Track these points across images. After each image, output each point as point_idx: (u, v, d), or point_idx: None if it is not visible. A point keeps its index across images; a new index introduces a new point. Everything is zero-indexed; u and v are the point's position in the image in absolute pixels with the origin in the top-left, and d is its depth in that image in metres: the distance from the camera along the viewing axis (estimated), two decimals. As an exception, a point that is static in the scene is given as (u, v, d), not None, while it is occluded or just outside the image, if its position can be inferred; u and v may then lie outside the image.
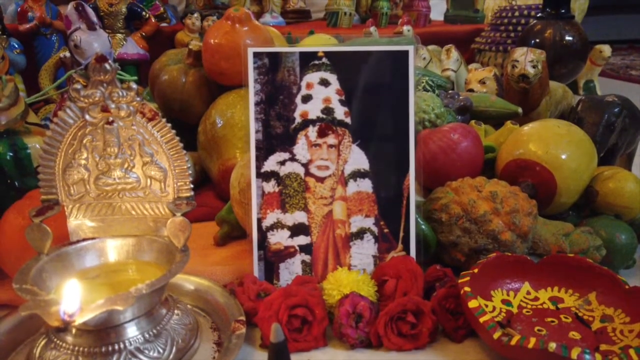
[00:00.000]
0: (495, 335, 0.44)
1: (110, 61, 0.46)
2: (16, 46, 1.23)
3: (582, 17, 1.92)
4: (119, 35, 1.36)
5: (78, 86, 0.47)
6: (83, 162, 0.49)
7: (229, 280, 0.59)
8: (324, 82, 0.57)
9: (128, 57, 1.35)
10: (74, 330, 0.44)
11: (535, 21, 1.26)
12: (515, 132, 0.68)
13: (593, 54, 1.80)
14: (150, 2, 1.41)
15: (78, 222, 0.51)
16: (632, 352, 0.41)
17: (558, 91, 0.93)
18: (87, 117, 0.48)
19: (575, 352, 0.40)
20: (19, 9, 1.32)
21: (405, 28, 1.33)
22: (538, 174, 0.62)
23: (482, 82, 0.98)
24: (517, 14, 1.44)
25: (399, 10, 1.74)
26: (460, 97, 0.82)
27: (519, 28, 1.41)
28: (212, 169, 0.82)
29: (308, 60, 0.57)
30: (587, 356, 0.40)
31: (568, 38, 1.20)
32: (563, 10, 1.23)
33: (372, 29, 1.36)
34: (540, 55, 0.85)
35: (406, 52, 0.56)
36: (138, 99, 0.48)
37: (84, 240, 0.50)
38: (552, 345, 0.41)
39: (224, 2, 1.77)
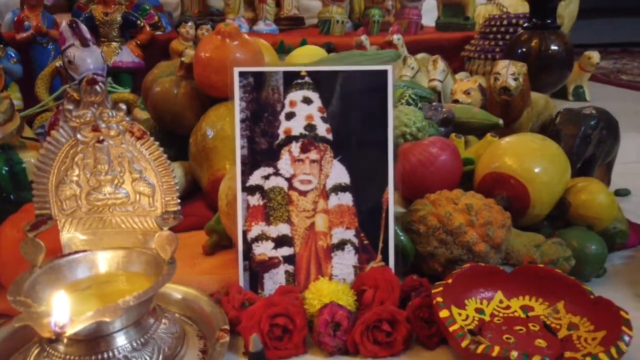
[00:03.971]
0: (463, 344, 0.47)
1: (100, 83, 0.49)
2: (13, 55, 1.25)
3: (572, 23, 1.95)
4: (114, 43, 1.39)
5: (70, 106, 0.50)
6: (75, 178, 0.52)
7: (216, 289, 0.61)
8: (307, 100, 0.59)
9: (123, 65, 1.38)
10: (65, 340, 0.46)
11: (522, 31, 1.29)
12: (492, 146, 0.70)
13: (582, 60, 1.83)
14: (145, 11, 1.44)
15: (70, 235, 0.53)
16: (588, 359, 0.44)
17: (540, 102, 0.96)
18: (78, 136, 0.50)
19: (536, 360, 0.43)
20: (15, 18, 1.34)
21: (396, 37, 1.36)
22: (512, 187, 0.64)
23: (466, 92, 1.01)
24: (505, 22, 1.47)
25: (391, 18, 1.77)
26: (443, 110, 0.84)
27: (507, 37, 1.44)
28: (202, 179, 0.84)
29: (291, 79, 0.59)
30: (546, 364, 0.43)
31: (554, 48, 1.23)
32: (549, 21, 1.25)
33: (364, 37, 1.39)
34: (521, 68, 0.88)
35: (385, 72, 0.59)
36: (127, 118, 0.51)
37: (76, 252, 0.53)
38: (514, 354, 0.44)
39: (219, 9, 1.80)
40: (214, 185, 0.79)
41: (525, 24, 1.29)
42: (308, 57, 0.99)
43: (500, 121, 0.86)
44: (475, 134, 0.89)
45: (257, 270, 0.59)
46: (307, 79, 0.59)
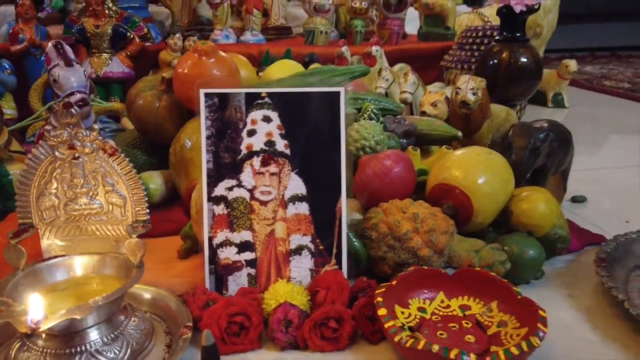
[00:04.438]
0: (396, 338, 0.53)
1: (75, 107, 0.55)
2: (7, 67, 1.32)
3: (552, 33, 2.01)
4: (105, 54, 1.45)
5: (49, 127, 0.56)
6: (54, 191, 0.58)
7: (185, 290, 0.67)
8: (267, 119, 0.65)
9: (113, 75, 1.44)
10: (43, 335, 0.52)
11: (494, 43, 1.35)
12: (443, 158, 0.76)
13: (560, 68, 1.90)
14: (134, 24, 1.50)
15: (50, 242, 0.59)
16: (500, 352, 0.50)
17: (501, 114, 1.02)
18: (56, 153, 0.56)
19: (453, 353, 0.49)
20: (10, 31, 1.41)
21: (374, 48, 1.42)
22: (457, 197, 0.70)
23: (434, 104, 1.07)
24: (480, 34, 1.53)
25: (375, 28, 1.83)
26: (406, 122, 0.90)
27: (482, 47, 1.50)
28: (180, 187, 0.90)
29: (253, 100, 0.65)
30: (464, 357, 0.49)
31: (523, 60, 1.29)
32: (518, 34, 1.31)
33: (344, 48, 1.45)
34: (480, 83, 0.94)
35: (338, 93, 0.65)
36: (99, 138, 0.57)
37: (55, 257, 0.59)
38: (435, 347, 0.50)
39: (208, 19, 1.86)
40: (190, 194, 0.85)
41: (497, 37, 1.34)
42: (283, 71, 1.05)
43: (460, 133, 0.92)
44: (438, 145, 0.95)
45: (221, 273, 0.65)
46: (267, 99, 0.65)
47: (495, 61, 1.30)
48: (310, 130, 0.66)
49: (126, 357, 0.54)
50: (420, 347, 0.51)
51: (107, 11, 1.47)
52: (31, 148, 0.79)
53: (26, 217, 0.58)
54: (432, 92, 1.09)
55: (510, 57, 1.29)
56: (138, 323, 0.58)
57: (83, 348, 0.52)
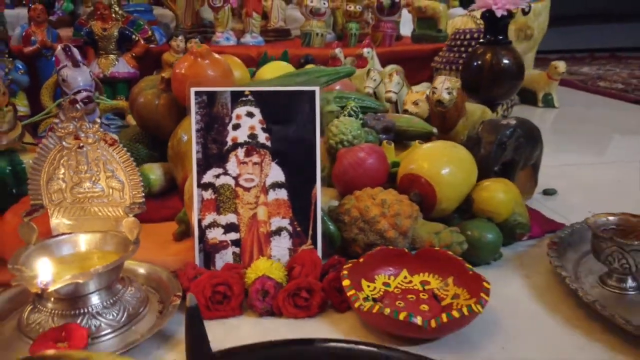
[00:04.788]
0: (356, 305, 0.61)
1: (80, 103, 0.63)
2: (20, 67, 1.41)
3: (543, 35, 2.07)
4: (112, 55, 1.54)
5: (57, 120, 0.64)
6: (61, 176, 0.66)
7: (178, 267, 0.75)
8: (250, 114, 0.73)
9: (119, 75, 1.53)
10: (52, 299, 0.61)
11: (478, 45, 1.42)
12: (413, 151, 0.84)
13: (550, 70, 1.96)
14: (139, 27, 1.59)
15: (58, 221, 0.68)
16: (444, 315, 0.58)
17: (476, 112, 1.09)
18: (64, 143, 0.65)
19: (402, 315, 0.57)
20: (23, 33, 1.50)
21: (365, 50, 1.50)
22: (422, 186, 0.78)
23: (415, 103, 1.15)
24: (468, 37, 1.60)
25: (369, 30, 1.91)
26: (385, 119, 0.98)
27: (470, 49, 1.57)
28: (177, 177, 0.99)
29: (237, 97, 0.73)
30: (411, 318, 0.57)
31: (505, 61, 1.36)
32: (501, 37, 1.38)
33: (337, 50, 1.53)
34: (455, 83, 1.02)
35: (313, 92, 0.73)
36: (101, 130, 0.65)
37: (62, 234, 0.67)
38: (387, 310, 0.57)
39: (210, 21, 1.95)
40: (185, 183, 0.94)
41: (481, 40, 1.42)
42: (274, 72, 1.13)
43: (435, 130, 1.00)
44: (415, 140, 1.03)
45: (209, 251, 0.74)
46: (250, 97, 0.73)
47: (480, 62, 1.37)
48: (289, 124, 0.73)
49: (123, 319, 0.62)
50: (374, 310, 0.58)
51: (113, 15, 1.56)
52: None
53: (37, 198, 0.66)
54: (414, 92, 1.17)
55: (493, 58, 1.35)
56: (134, 292, 0.66)
57: (85, 310, 0.61)
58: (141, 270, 0.73)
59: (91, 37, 1.51)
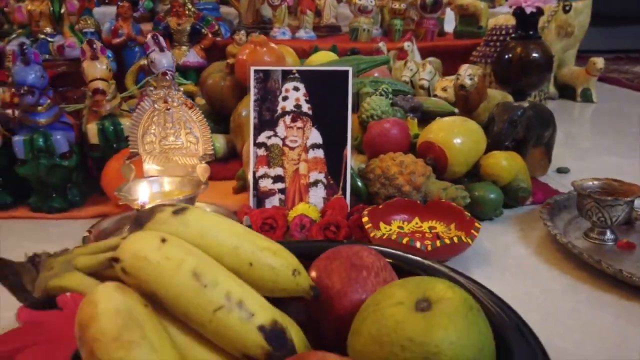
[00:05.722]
0: (371, 234, 0.78)
1: (169, 75, 0.84)
2: (110, 56, 1.66)
3: (584, 32, 2.14)
4: (184, 47, 1.77)
5: (151, 88, 0.85)
6: (152, 131, 0.87)
7: (236, 208, 0.95)
8: (296, 89, 0.92)
9: (190, 64, 1.76)
10: (144, 220, 0.82)
11: (510, 40, 1.54)
12: (432, 124, 1.00)
13: (588, 66, 2.04)
14: (208, 22, 1.81)
15: (149, 166, 0.89)
16: (438, 242, 0.74)
17: (497, 97, 1.23)
18: (155, 105, 0.86)
19: (405, 240, 0.74)
20: (112, 27, 1.76)
21: (406, 44, 1.65)
22: (436, 151, 0.94)
23: (444, 89, 1.30)
24: (503, 32, 1.72)
25: (413, 26, 2.05)
26: (412, 100, 1.14)
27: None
28: (237, 145, 1.19)
29: (286, 75, 0.92)
30: (412, 242, 0.74)
31: (534, 55, 1.47)
32: (531, 32, 1.50)
33: (381, 44, 1.69)
34: (477, 70, 1.16)
35: (347, 72, 0.91)
36: (184, 96, 0.86)
37: (152, 176, 0.88)
38: (394, 236, 0.74)
39: (269, 18, 2.16)
40: (243, 149, 1.14)
41: (513, 35, 1.54)
42: (321, 59, 1.31)
43: (456, 110, 1.15)
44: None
45: (261, 197, 0.93)
46: (296, 75, 0.92)
47: (510, 55, 1.49)
48: (327, 97, 0.92)
49: (195, 239, 0.82)
50: (384, 237, 0.75)
51: (187, 12, 1.80)
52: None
53: (134, 147, 0.88)
54: (443, 80, 1.32)
55: (522, 52, 1.48)
56: (203, 222, 0.86)
57: (168, 229, 0.81)
58: (208, 209, 0.93)
59: (167, 30, 1.75)
